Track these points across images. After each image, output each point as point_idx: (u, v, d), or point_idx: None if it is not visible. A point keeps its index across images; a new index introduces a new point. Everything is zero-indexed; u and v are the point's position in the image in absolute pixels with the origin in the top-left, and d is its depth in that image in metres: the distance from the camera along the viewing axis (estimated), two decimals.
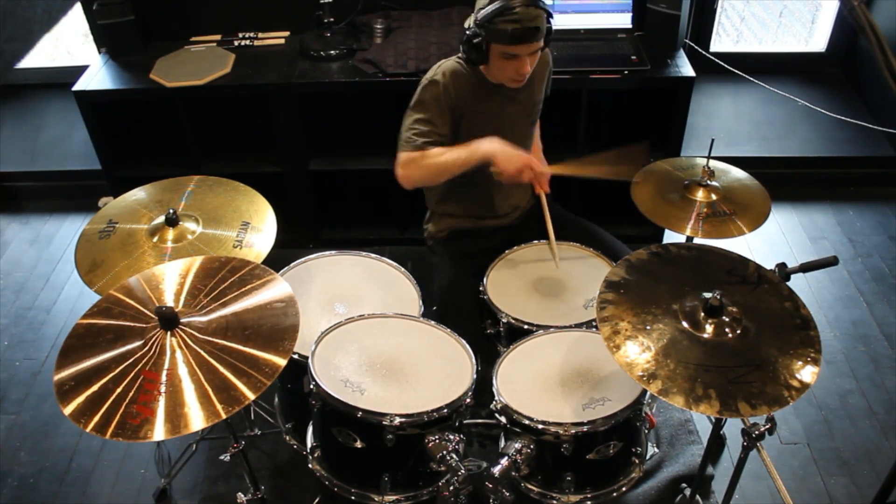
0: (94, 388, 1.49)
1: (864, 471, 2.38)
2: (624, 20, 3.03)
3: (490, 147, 2.05)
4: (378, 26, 3.02)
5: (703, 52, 3.58)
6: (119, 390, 1.49)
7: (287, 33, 3.13)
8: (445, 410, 1.77)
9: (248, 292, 1.69)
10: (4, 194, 3.57)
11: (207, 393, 1.48)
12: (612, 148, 2.21)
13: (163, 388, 1.49)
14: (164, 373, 1.51)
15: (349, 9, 3.04)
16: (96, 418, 1.45)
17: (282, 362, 1.54)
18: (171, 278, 1.73)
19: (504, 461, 1.78)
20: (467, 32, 2.05)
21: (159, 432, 1.43)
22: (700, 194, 2.19)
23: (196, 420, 1.44)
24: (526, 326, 2.04)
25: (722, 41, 3.76)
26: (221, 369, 1.52)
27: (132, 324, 1.61)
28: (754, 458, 1.85)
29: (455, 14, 3.09)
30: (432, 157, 2.08)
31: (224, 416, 1.45)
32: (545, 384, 1.91)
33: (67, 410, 1.46)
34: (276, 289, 1.71)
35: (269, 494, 2.16)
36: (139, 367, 1.52)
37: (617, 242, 2.34)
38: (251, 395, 1.48)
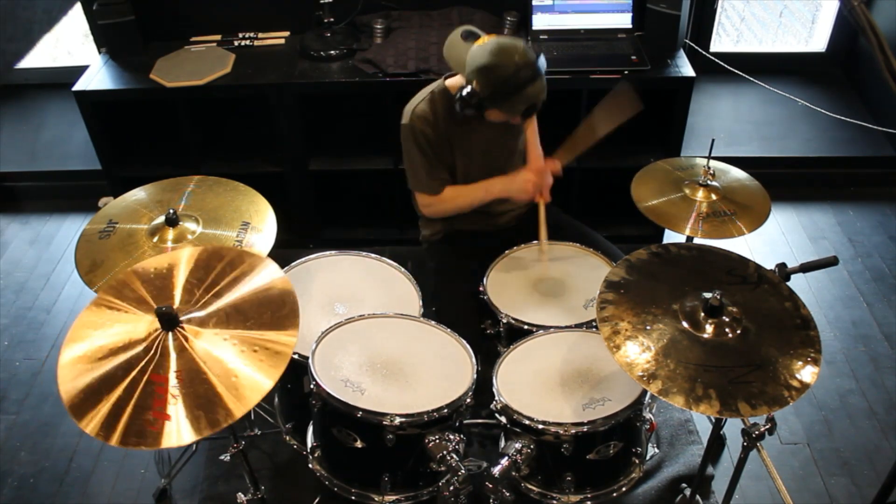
0: (111, 400, 1.47)
1: (864, 471, 2.38)
2: (624, 20, 3.03)
3: (501, 190, 2.23)
4: (378, 26, 3.02)
5: (703, 52, 3.57)
6: (133, 400, 1.47)
7: (287, 33, 3.13)
8: (445, 410, 1.77)
9: (240, 278, 1.68)
10: (4, 194, 3.57)
11: (217, 390, 1.48)
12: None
13: (175, 391, 1.48)
14: (173, 375, 1.50)
15: (349, 9, 3.04)
16: (120, 428, 1.44)
17: (292, 340, 1.54)
18: (161, 276, 1.71)
19: (504, 461, 1.78)
20: (465, 95, 2.01)
21: (183, 436, 1.42)
22: (700, 194, 2.20)
23: (217, 418, 1.44)
24: (526, 327, 2.04)
25: (722, 41, 3.76)
26: (230, 361, 1.52)
27: (131, 327, 1.60)
28: (754, 458, 1.85)
29: (455, 14, 3.09)
30: (450, 200, 2.27)
31: (241, 414, 1.44)
32: (545, 384, 1.91)
33: (89, 428, 1.43)
34: (267, 271, 1.70)
35: (269, 494, 2.16)
36: (147, 373, 1.51)
37: (611, 247, 2.34)
38: (270, 382, 1.48)
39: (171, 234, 2.00)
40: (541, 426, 1.79)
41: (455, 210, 2.31)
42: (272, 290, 1.67)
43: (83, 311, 1.63)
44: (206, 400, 1.47)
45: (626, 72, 2.82)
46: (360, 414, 1.74)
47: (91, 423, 1.45)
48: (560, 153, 2.25)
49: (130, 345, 1.56)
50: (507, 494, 1.75)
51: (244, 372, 1.50)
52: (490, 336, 2.16)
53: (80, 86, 2.90)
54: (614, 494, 1.92)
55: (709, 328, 1.63)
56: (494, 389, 1.88)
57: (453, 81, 2.18)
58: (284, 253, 2.18)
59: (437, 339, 1.99)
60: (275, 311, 1.62)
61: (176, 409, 1.46)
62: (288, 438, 2.18)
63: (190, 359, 1.53)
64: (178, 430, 1.43)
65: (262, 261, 1.73)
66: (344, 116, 3.23)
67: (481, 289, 2.16)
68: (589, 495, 1.89)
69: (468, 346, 1.95)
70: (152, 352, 1.54)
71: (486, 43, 2.01)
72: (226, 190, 2.19)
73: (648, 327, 1.64)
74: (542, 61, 2.00)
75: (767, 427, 1.73)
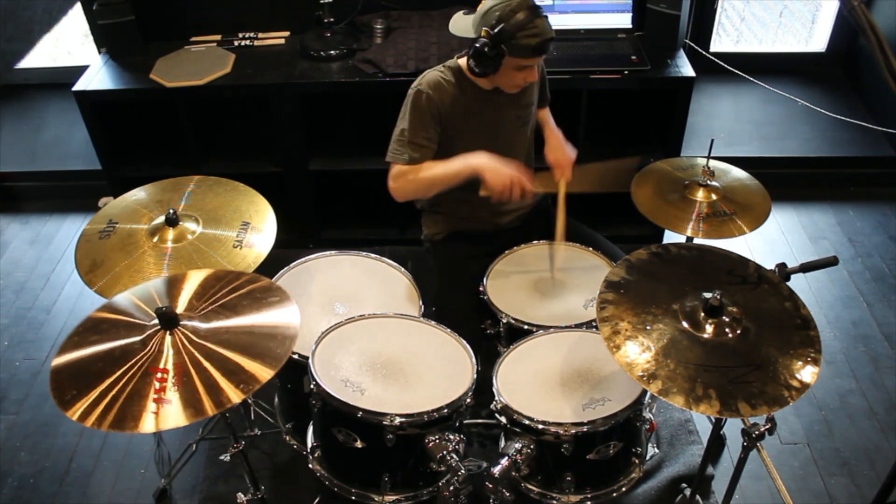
0: (99, 389, 1.49)
1: (864, 471, 2.38)
2: (624, 20, 3.03)
3: (479, 162, 2.04)
4: (378, 26, 3.02)
5: (703, 52, 3.58)
6: (130, 388, 1.49)
7: (287, 33, 3.13)
8: (445, 410, 1.77)
9: (253, 307, 1.69)
10: (4, 194, 3.57)
11: (198, 391, 1.49)
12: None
13: (175, 379, 1.50)
14: (172, 367, 1.52)
15: (349, 9, 3.04)
16: (110, 415, 1.45)
17: (266, 376, 1.54)
18: (183, 286, 1.73)
19: (504, 461, 1.78)
20: (478, 46, 2.02)
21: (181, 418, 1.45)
22: (700, 194, 2.20)
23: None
24: (526, 327, 2.04)
25: (722, 41, 3.76)
26: (214, 371, 1.53)
27: (130, 331, 1.61)
28: (754, 458, 1.85)
29: (455, 14, 3.09)
30: (422, 171, 2.11)
31: (211, 413, 1.46)
32: (545, 384, 1.91)
33: (74, 415, 1.45)
34: (283, 311, 1.70)
35: (269, 494, 2.16)
36: (144, 366, 1.53)
37: (612, 246, 2.34)
38: (235, 399, 1.48)
39: (171, 234, 2.01)
40: (541, 426, 1.79)
41: (424, 184, 2.13)
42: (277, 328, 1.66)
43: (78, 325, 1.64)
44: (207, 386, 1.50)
45: (626, 72, 2.82)
46: (360, 414, 1.74)
47: (77, 408, 1.46)
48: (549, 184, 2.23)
49: (128, 346, 1.57)
50: (507, 494, 1.75)
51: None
52: (490, 336, 2.15)
53: (80, 86, 2.90)
54: (614, 494, 1.92)
55: (709, 328, 1.63)
56: (494, 389, 1.88)
57: (465, 60, 2.16)
58: (284, 253, 2.19)
59: (437, 339, 1.99)
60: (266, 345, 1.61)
61: (175, 395, 1.48)
62: (288, 438, 2.18)
63: (186, 358, 1.55)
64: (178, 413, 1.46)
65: (285, 297, 1.72)
66: (344, 116, 3.23)
67: (481, 289, 2.16)
68: (589, 495, 1.89)
69: (468, 346, 1.95)
70: (149, 348, 1.55)
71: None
72: (226, 190, 2.19)
73: (648, 327, 1.64)
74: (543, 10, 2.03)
75: (767, 427, 1.73)
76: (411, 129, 2.13)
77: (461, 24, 2.15)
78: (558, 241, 2.23)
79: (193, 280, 1.75)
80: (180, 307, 1.66)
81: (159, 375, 1.50)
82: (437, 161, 2.13)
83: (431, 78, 2.15)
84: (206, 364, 1.53)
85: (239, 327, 1.63)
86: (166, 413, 1.45)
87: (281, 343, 1.60)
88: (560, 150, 2.31)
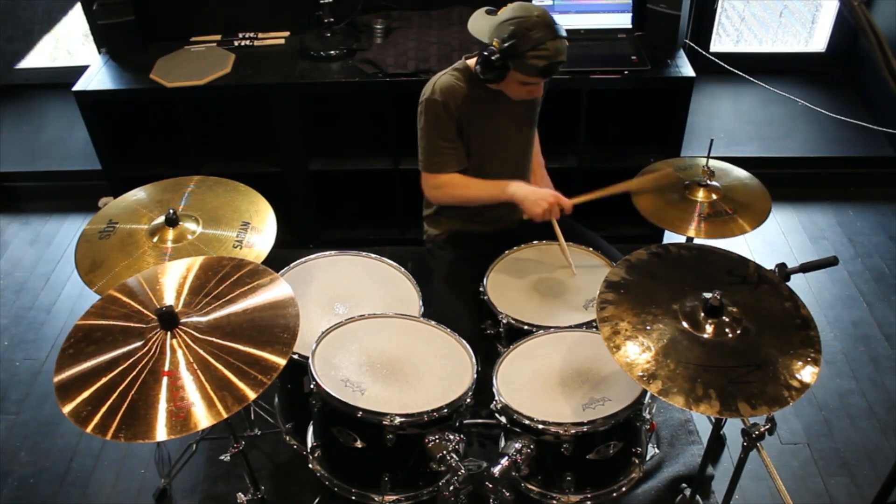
0: (111, 400, 1.49)
1: (864, 471, 2.38)
2: (624, 20, 3.03)
3: (517, 192, 2.13)
4: (378, 26, 3.02)
5: (703, 53, 3.58)
6: (146, 396, 1.48)
7: (287, 33, 3.13)
8: (445, 410, 1.77)
9: (247, 293, 1.69)
10: (4, 194, 3.57)
11: (207, 391, 1.49)
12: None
13: (188, 379, 1.50)
14: (184, 369, 1.52)
15: (349, 9, 3.04)
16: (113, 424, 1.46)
17: (281, 362, 1.54)
18: (170, 279, 1.73)
19: (504, 461, 1.77)
20: (487, 55, 2.02)
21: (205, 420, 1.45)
22: (700, 194, 2.20)
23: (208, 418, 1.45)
24: (526, 327, 2.04)
25: (722, 41, 3.76)
26: (221, 368, 1.52)
27: (128, 336, 1.61)
28: (754, 458, 1.85)
29: (455, 14, 3.09)
30: (460, 187, 2.20)
31: (225, 416, 1.45)
32: (545, 384, 1.91)
33: (91, 429, 1.46)
34: (277, 289, 1.71)
35: (269, 494, 2.16)
36: (157, 369, 1.52)
37: (611, 248, 2.34)
38: (251, 395, 1.48)
39: (171, 234, 2.01)
40: (541, 426, 1.79)
41: (463, 199, 2.24)
42: (279, 309, 1.67)
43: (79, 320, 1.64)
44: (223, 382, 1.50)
45: (626, 72, 2.82)
46: (360, 414, 1.74)
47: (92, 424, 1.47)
48: (579, 196, 2.20)
49: (130, 342, 1.57)
50: (507, 494, 1.75)
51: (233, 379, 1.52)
52: (490, 336, 2.15)
53: (80, 86, 2.90)
54: (614, 494, 1.92)
55: (709, 328, 1.63)
56: (494, 389, 1.88)
57: (474, 61, 2.15)
58: (284, 253, 2.19)
59: (437, 339, 1.99)
60: (271, 331, 1.62)
61: (196, 395, 1.48)
62: (288, 438, 2.18)
63: (189, 356, 1.54)
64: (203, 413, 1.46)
65: (275, 279, 1.74)
66: (344, 116, 3.23)
67: (481, 289, 2.16)
68: (589, 495, 1.89)
69: (468, 346, 1.95)
70: (152, 351, 1.55)
71: (508, 6, 2.06)
72: (226, 190, 2.19)
73: (648, 327, 1.64)
74: (563, 29, 2.03)
75: (767, 427, 1.73)
76: (435, 139, 2.16)
77: (481, 24, 2.13)
78: (565, 253, 2.24)
79: (173, 273, 1.74)
80: (167, 303, 1.65)
81: (170, 379, 1.50)
82: (475, 179, 2.20)
83: (443, 82, 2.15)
84: (217, 361, 1.53)
85: (239, 317, 1.63)
86: (191, 416, 1.45)
87: (285, 327, 1.61)
88: (547, 185, 2.45)
